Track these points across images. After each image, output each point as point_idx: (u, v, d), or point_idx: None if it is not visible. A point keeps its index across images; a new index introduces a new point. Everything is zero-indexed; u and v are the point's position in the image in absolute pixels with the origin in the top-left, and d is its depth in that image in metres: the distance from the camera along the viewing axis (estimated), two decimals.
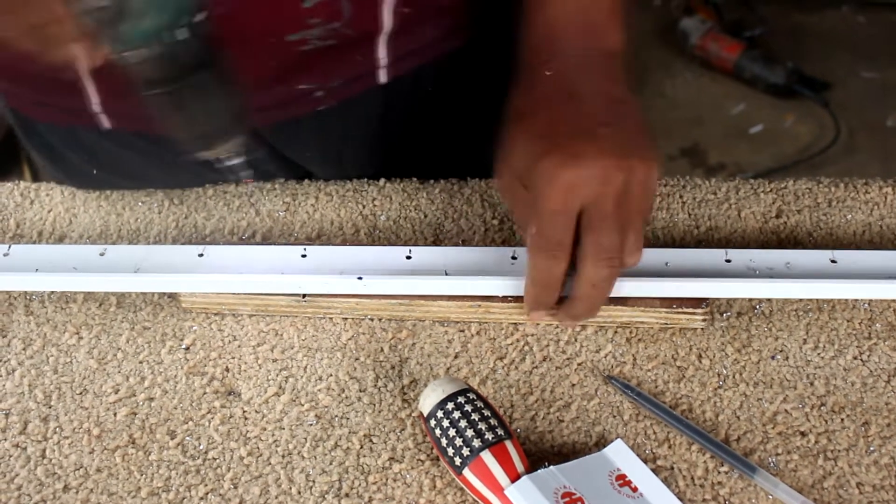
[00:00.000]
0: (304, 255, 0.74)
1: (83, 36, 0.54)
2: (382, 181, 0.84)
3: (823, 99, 2.46)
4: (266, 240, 0.79)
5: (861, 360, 0.71)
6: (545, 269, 0.66)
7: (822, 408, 0.68)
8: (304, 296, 0.73)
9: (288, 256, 0.74)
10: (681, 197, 0.82)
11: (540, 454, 0.66)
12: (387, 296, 0.73)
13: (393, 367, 0.71)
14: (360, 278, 0.72)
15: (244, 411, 0.68)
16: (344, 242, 0.79)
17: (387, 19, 0.79)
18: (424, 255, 0.74)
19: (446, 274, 0.72)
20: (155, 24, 0.53)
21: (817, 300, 0.73)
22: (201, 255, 0.74)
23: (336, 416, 0.68)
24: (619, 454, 0.64)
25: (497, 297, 0.72)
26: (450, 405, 0.62)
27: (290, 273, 0.73)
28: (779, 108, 2.42)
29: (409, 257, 0.74)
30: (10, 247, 0.76)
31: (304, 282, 0.72)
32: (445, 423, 0.62)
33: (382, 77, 0.84)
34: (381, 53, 0.81)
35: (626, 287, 0.70)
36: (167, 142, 0.60)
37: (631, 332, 0.72)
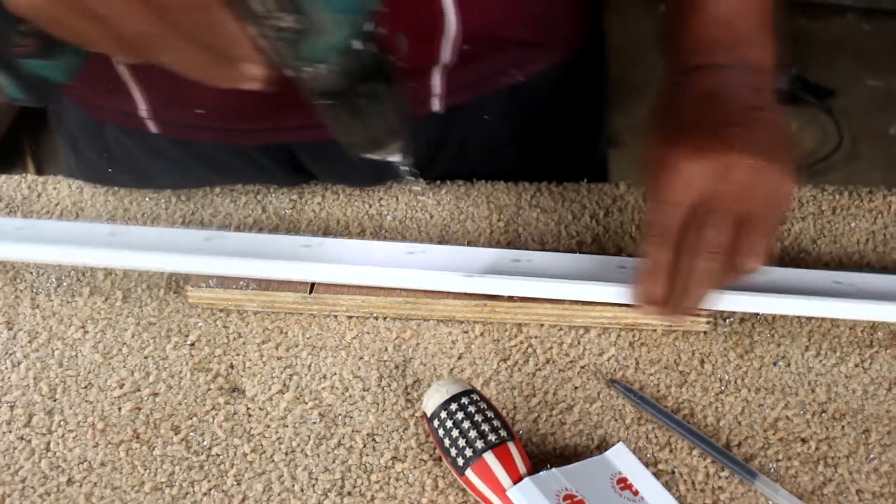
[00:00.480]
0: (410, 253, 0.74)
1: (258, 55, 0.54)
2: (389, 181, 0.84)
3: (827, 106, 2.46)
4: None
5: (862, 367, 0.71)
6: (652, 258, 0.66)
7: (822, 415, 0.68)
8: (311, 292, 0.73)
9: (392, 252, 0.75)
10: None
11: (542, 456, 0.66)
12: (393, 292, 0.73)
13: (397, 367, 0.71)
14: (468, 276, 0.72)
15: (248, 408, 0.69)
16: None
17: (445, 54, 0.79)
18: (534, 258, 0.74)
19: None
20: (335, 39, 0.54)
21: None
22: (307, 246, 0.75)
23: (339, 414, 0.68)
24: (620, 457, 0.64)
25: (503, 296, 0.72)
26: (453, 406, 0.63)
27: (396, 267, 0.73)
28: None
29: (516, 260, 0.74)
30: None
31: (413, 276, 0.73)
32: (448, 423, 0.62)
33: (436, 105, 0.83)
34: (436, 83, 0.81)
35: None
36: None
37: (634, 336, 0.72)
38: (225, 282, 0.74)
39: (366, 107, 0.59)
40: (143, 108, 0.83)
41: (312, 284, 0.73)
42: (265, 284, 0.74)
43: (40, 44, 0.56)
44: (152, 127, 0.84)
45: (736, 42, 0.70)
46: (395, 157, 0.64)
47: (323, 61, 0.55)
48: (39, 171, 2.37)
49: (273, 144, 0.85)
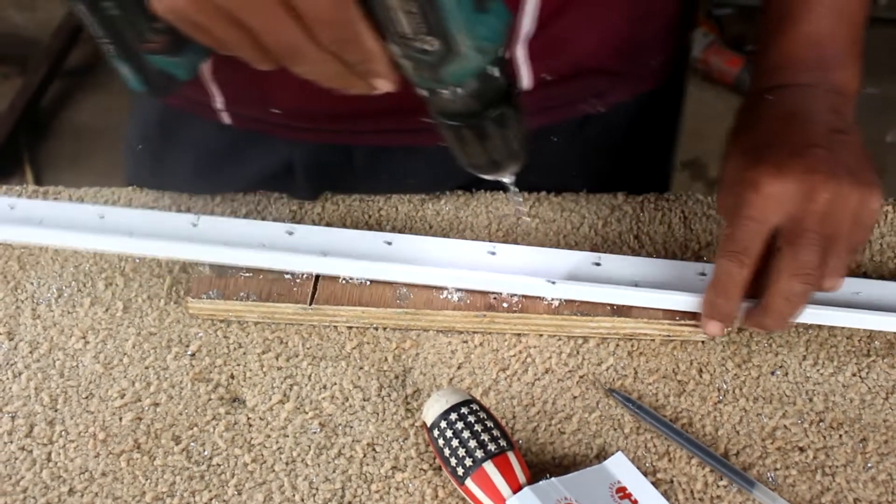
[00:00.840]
0: (492, 253, 0.75)
1: (392, 72, 0.55)
2: (389, 193, 0.84)
3: None
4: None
5: (860, 377, 0.71)
6: (727, 274, 0.66)
7: (820, 424, 0.69)
8: (311, 303, 0.73)
9: (476, 253, 0.76)
10: (681, 211, 0.82)
11: (541, 465, 0.66)
12: (392, 304, 0.73)
13: (397, 377, 0.71)
14: (552, 282, 0.72)
15: (249, 418, 0.69)
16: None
17: (525, 80, 0.80)
18: (614, 263, 0.75)
19: (637, 286, 0.73)
20: (474, 65, 0.54)
21: None
22: (389, 243, 0.77)
23: (340, 424, 0.69)
24: (619, 467, 0.65)
25: (502, 306, 0.73)
26: (453, 415, 0.63)
27: (481, 270, 0.74)
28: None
29: (597, 264, 0.74)
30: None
31: (494, 279, 0.73)
32: (448, 433, 0.62)
33: None
34: None
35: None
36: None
37: (633, 346, 0.73)
38: (226, 292, 0.74)
39: (492, 130, 0.59)
40: (218, 101, 0.85)
41: (312, 296, 0.74)
42: (266, 295, 0.74)
43: (170, 41, 0.57)
44: (226, 119, 0.86)
45: (823, 63, 0.70)
46: (508, 178, 0.65)
47: (459, 85, 0.56)
48: (37, 178, 2.37)
49: (339, 145, 0.87)
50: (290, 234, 0.77)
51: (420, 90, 0.57)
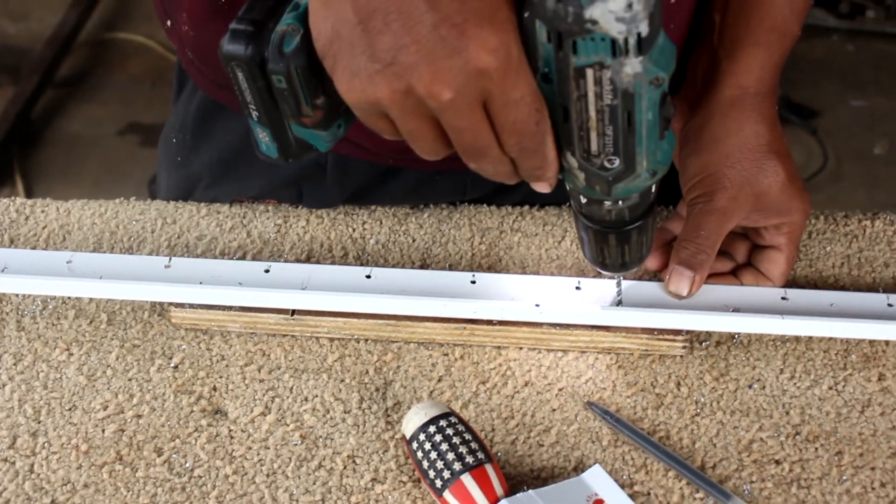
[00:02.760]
0: (473, 282, 0.76)
1: (556, 178, 0.58)
2: (374, 206, 0.85)
3: (812, 126, 2.49)
4: (257, 259, 0.81)
5: (836, 390, 0.72)
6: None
7: (796, 437, 0.69)
8: (293, 314, 0.74)
9: (457, 283, 0.76)
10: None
11: (519, 478, 0.67)
12: (374, 315, 0.74)
13: (377, 390, 0.72)
14: (537, 305, 0.73)
15: (230, 430, 0.70)
16: (334, 263, 0.80)
17: None
18: (593, 286, 0.75)
19: (620, 304, 0.74)
20: (643, 183, 0.57)
21: None
22: (369, 276, 0.76)
23: (321, 436, 0.69)
24: (596, 479, 0.66)
25: (482, 320, 0.73)
26: (432, 428, 0.64)
27: (460, 298, 0.74)
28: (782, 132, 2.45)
29: (578, 288, 0.75)
30: None
31: (480, 307, 0.73)
32: (427, 445, 0.63)
33: None
34: None
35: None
36: None
37: (611, 359, 0.74)
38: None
39: (634, 238, 0.63)
40: None
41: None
42: (248, 305, 0.75)
43: (324, 117, 0.58)
44: None
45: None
46: (625, 275, 0.70)
47: (624, 199, 0.59)
48: (28, 187, 2.38)
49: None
50: (267, 272, 0.76)
51: (579, 196, 0.60)
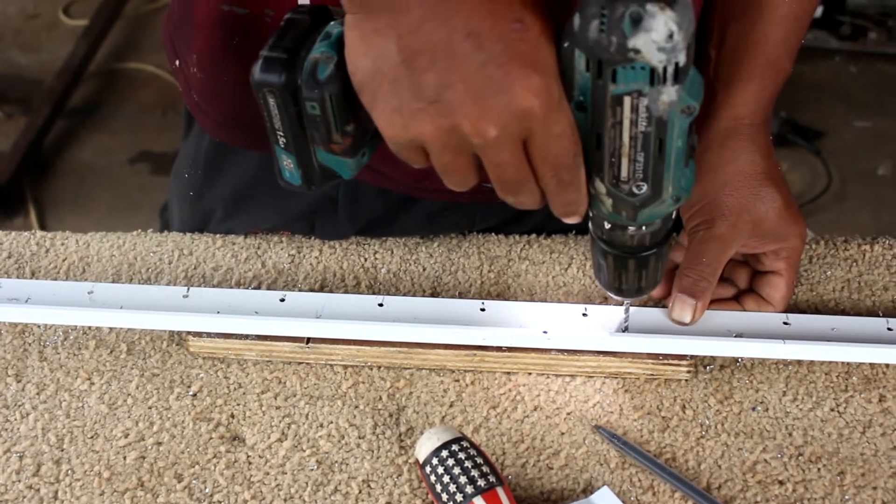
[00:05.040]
0: (482, 309, 0.77)
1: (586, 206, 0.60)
2: (385, 238, 0.87)
3: (816, 148, 2.51)
4: (272, 289, 0.83)
5: (838, 411, 0.74)
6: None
7: (799, 458, 0.71)
8: (308, 342, 0.76)
9: (467, 310, 0.77)
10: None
11: (530, 500, 0.69)
12: (386, 343, 0.76)
13: (391, 415, 0.74)
14: (545, 332, 0.75)
15: (248, 456, 0.72)
16: (347, 291, 0.82)
17: None
18: (599, 312, 0.77)
19: (626, 331, 0.76)
20: (667, 209, 0.59)
21: None
22: (381, 304, 0.78)
23: (336, 461, 0.71)
24: (605, 501, 0.67)
25: (492, 346, 0.75)
26: (444, 452, 0.66)
27: (470, 325, 0.76)
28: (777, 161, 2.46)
29: (585, 314, 0.77)
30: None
31: (489, 334, 0.75)
32: (440, 469, 0.65)
33: None
34: None
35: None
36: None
37: (618, 384, 0.75)
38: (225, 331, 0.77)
39: (651, 263, 0.65)
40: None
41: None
42: (265, 335, 0.77)
43: (352, 144, 0.60)
44: None
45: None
46: (636, 300, 0.72)
47: (648, 225, 0.61)
48: (41, 217, 2.40)
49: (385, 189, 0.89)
50: (282, 301, 0.78)
51: (603, 222, 0.62)
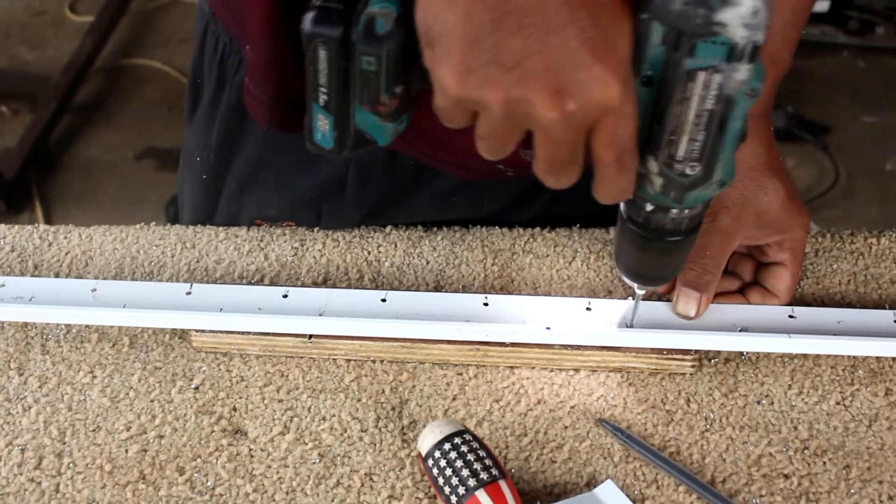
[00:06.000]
0: (485, 304, 0.77)
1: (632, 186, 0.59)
2: (389, 228, 0.87)
3: (823, 143, 2.50)
4: (274, 283, 0.83)
5: (843, 405, 0.73)
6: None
7: (805, 451, 0.71)
8: (310, 337, 0.76)
9: (470, 305, 0.77)
10: None
11: (533, 494, 0.68)
12: (389, 338, 0.76)
13: (393, 409, 0.74)
14: (548, 328, 0.74)
15: (250, 449, 0.71)
16: (349, 286, 0.82)
17: None
18: (604, 307, 0.77)
19: (630, 326, 0.75)
20: (713, 193, 0.59)
21: None
22: (384, 300, 0.78)
23: (338, 454, 0.71)
24: (609, 494, 0.67)
25: (495, 340, 0.75)
26: (447, 445, 0.65)
27: (473, 321, 0.75)
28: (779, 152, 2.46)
29: (588, 309, 0.76)
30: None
31: (492, 330, 0.75)
32: (443, 462, 0.65)
33: None
34: None
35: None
36: None
37: (622, 377, 0.75)
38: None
39: (678, 249, 0.64)
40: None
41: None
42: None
43: (397, 107, 0.59)
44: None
45: None
46: (652, 289, 0.71)
47: (691, 208, 0.61)
48: (47, 212, 2.41)
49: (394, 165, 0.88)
50: (285, 297, 0.78)
51: (644, 203, 0.61)
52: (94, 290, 0.79)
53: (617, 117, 0.53)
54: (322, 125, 0.60)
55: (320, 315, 0.76)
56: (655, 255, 0.64)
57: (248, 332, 0.76)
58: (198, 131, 0.95)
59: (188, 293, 0.78)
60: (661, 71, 0.53)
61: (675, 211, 0.60)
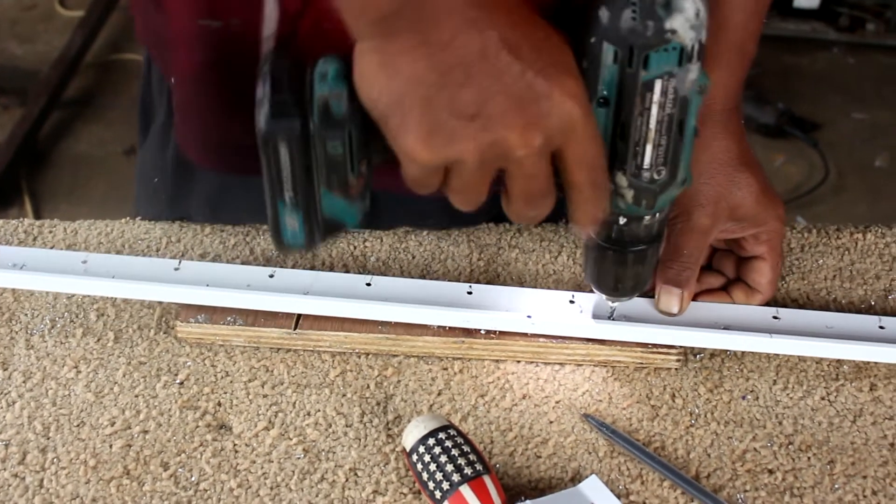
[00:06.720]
0: (469, 292, 0.77)
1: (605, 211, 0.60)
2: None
3: (813, 139, 2.50)
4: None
5: (828, 400, 0.74)
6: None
7: (789, 446, 0.71)
8: (295, 327, 0.76)
9: (454, 292, 0.77)
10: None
11: (517, 489, 0.68)
12: (374, 326, 0.76)
13: (378, 404, 0.73)
14: (529, 317, 0.75)
15: (235, 444, 0.71)
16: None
17: None
18: (586, 299, 0.77)
19: (612, 319, 0.75)
20: (677, 189, 0.60)
21: None
22: (369, 284, 0.78)
23: (323, 450, 0.71)
24: (593, 489, 0.67)
25: (480, 333, 0.75)
26: (431, 440, 0.65)
27: (457, 308, 0.75)
28: (769, 149, 2.47)
29: (572, 301, 0.77)
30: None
31: (473, 317, 0.75)
32: (427, 457, 0.65)
33: None
34: None
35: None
36: None
37: (607, 372, 0.75)
38: (213, 317, 0.76)
39: (649, 258, 0.66)
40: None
41: (297, 320, 0.76)
42: (252, 320, 0.76)
43: (364, 185, 0.59)
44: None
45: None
46: (621, 301, 0.72)
47: (659, 212, 0.62)
48: (36, 207, 2.40)
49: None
50: (271, 276, 0.78)
51: (618, 217, 0.62)
52: (85, 261, 0.79)
53: (583, 136, 0.54)
54: (291, 223, 0.59)
55: (305, 294, 0.76)
56: (632, 266, 0.66)
57: (234, 323, 0.76)
58: (153, 151, 0.94)
59: (176, 269, 0.79)
60: (616, 89, 0.55)
61: (647, 218, 0.62)
